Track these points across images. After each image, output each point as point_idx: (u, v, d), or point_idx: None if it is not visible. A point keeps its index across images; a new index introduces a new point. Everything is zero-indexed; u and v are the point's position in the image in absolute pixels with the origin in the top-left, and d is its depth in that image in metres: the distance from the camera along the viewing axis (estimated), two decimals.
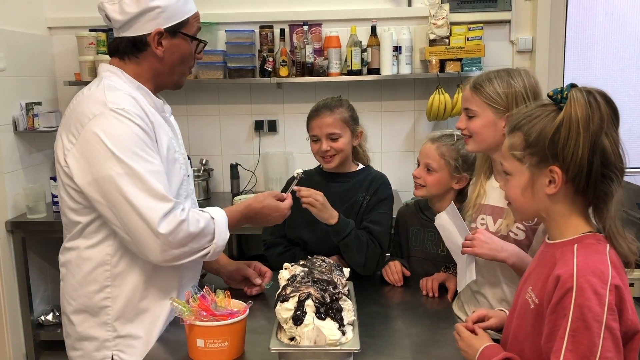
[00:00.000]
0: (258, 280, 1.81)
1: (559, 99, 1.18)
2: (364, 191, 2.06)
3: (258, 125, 3.52)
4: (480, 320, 1.37)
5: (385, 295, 1.86)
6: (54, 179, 3.06)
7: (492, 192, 1.72)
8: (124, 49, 1.58)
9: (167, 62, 1.59)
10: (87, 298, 1.56)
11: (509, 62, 3.40)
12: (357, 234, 1.94)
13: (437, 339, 1.54)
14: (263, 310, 1.68)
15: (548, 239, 1.27)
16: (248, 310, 1.43)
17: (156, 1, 1.53)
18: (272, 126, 3.52)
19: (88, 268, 1.54)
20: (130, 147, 1.43)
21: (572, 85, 1.17)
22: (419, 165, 2.00)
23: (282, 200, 1.77)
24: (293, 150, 3.49)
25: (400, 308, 1.79)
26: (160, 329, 1.60)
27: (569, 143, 1.14)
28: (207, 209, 1.59)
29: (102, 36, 3.33)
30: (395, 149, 3.53)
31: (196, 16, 1.62)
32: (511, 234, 1.64)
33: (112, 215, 1.45)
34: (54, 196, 3.10)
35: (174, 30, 1.57)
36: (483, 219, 1.72)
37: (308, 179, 2.19)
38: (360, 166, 2.18)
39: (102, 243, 1.53)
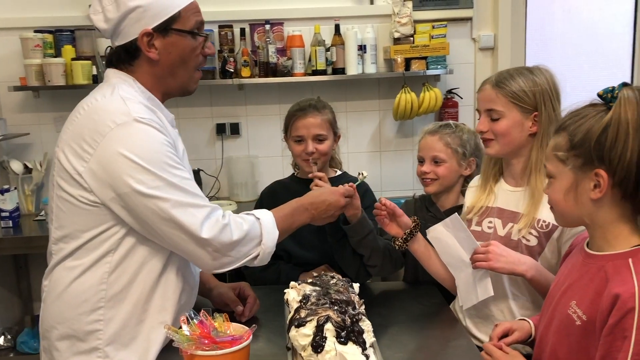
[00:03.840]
0: (239, 309, 1.66)
1: (609, 98, 1.11)
2: None
3: (220, 129, 3.37)
4: (504, 335, 1.31)
5: (385, 305, 1.77)
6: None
7: (502, 195, 1.67)
8: (117, 58, 1.46)
9: (165, 64, 1.45)
10: (76, 321, 1.41)
11: (471, 59, 3.39)
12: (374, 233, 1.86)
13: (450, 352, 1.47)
14: (263, 332, 1.57)
15: (589, 248, 1.20)
16: (252, 335, 1.32)
17: (135, 0, 1.39)
18: (235, 129, 3.37)
19: (81, 287, 1.39)
20: (160, 157, 1.34)
21: (625, 84, 1.11)
22: (421, 162, 1.96)
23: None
24: (258, 154, 3.36)
25: (403, 319, 1.67)
26: (154, 355, 1.46)
27: (617, 145, 1.07)
28: (253, 211, 1.52)
29: (49, 38, 3.09)
30: (362, 150, 3.46)
31: (192, 8, 1.46)
32: (522, 240, 1.58)
33: (146, 230, 1.37)
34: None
35: (165, 28, 1.42)
36: (490, 222, 1.67)
37: (284, 188, 2.08)
38: (338, 172, 2.11)
39: (101, 259, 1.39)
